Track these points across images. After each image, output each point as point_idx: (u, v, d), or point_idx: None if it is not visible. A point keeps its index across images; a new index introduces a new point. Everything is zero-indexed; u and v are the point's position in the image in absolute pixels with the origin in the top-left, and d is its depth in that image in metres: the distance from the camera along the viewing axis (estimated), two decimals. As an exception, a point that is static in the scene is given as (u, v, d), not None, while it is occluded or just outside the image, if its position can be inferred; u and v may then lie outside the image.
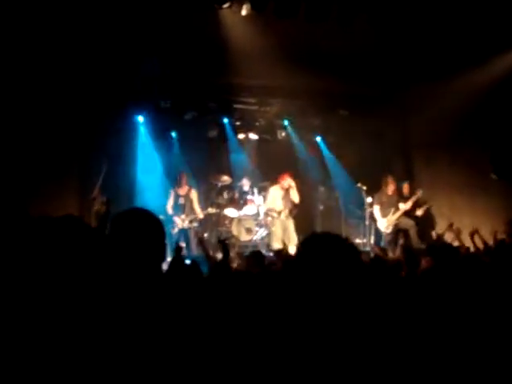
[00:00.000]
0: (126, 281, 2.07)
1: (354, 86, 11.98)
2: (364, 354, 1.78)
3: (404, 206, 11.41)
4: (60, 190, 10.60)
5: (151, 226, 2.26)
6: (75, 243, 1.99)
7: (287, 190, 11.61)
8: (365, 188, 11.84)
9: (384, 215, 11.55)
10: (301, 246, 2.02)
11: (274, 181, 11.98)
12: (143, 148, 12.68)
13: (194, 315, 2.25)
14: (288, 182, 11.51)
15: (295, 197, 11.65)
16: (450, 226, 10.31)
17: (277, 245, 10.81)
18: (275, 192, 11.73)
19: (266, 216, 12.35)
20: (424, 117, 11.62)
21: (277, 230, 11.45)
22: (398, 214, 11.45)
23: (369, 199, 11.86)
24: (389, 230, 11.45)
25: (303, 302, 1.88)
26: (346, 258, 1.92)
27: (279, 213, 11.61)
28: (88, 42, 9.88)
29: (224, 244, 6.48)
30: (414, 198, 11.41)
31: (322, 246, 1.95)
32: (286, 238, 11.21)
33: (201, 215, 11.49)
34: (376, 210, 11.70)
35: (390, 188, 11.61)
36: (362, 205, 12.22)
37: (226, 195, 13.04)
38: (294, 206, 11.78)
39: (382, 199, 11.66)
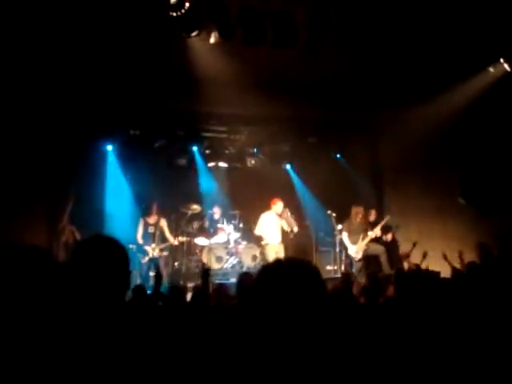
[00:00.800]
0: (88, 310, 1.99)
1: (322, 112, 12.05)
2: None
3: (372, 233, 11.50)
4: (28, 218, 10.42)
5: (115, 253, 2.20)
6: (36, 273, 1.92)
7: (280, 215, 11.77)
8: (334, 215, 11.91)
9: (353, 242, 11.61)
10: (259, 273, 1.95)
11: (266, 206, 12.06)
12: (112, 177, 12.58)
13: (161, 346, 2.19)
14: (280, 206, 11.66)
15: (285, 225, 11.85)
16: (414, 245, 10.46)
17: None
18: (267, 217, 11.81)
19: (237, 244, 12.31)
20: (393, 141, 11.76)
21: (269, 256, 11.47)
22: (367, 240, 11.54)
23: (339, 226, 11.90)
24: (359, 257, 11.50)
25: (259, 333, 1.82)
26: (307, 285, 1.86)
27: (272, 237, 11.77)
28: (56, 72, 9.80)
29: (207, 273, 6.48)
30: (382, 223, 11.56)
31: (282, 272, 1.90)
32: None
33: (175, 242, 11.40)
34: (345, 236, 11.78)
35: (358, 216, 11.69)
36: (332, 232, 12.23)
37: (195, 224, 12.95)
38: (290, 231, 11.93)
39: (350, 227, 11.75)
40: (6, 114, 9.88)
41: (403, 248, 11.79)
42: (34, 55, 9.27)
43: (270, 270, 1.93)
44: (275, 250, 11.62)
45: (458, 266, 8.60)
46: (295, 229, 11.86)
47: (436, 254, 9.50)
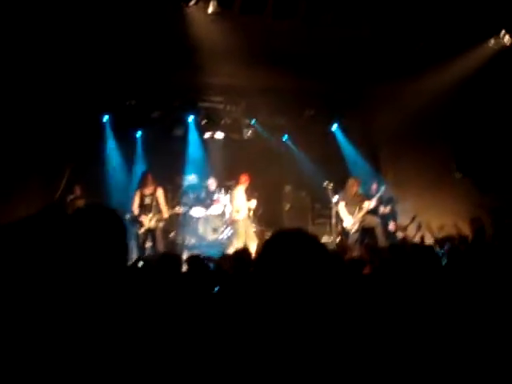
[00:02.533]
0: (86, 278, 2.00)
1: (319, 85, 12.01)
2: (333, 353, 1.75)
3: (368, 204, 11.47)
4: (24, 190, 10.41)
5: (112, 222, 2.19)
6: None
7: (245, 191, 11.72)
8: (331, 186, 11.84)
9: (349, 213, 11.60)
10: (267, 243, 1.95)
11: (236, 181, 11.98)
12: (108, 147, 12.56)
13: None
14: (247, 183, 11.66)
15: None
16: (413, 218, 10.50)
17: (239, 245, 10.75)
18: (238, 193, 11.74)
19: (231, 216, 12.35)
20: (389, 115, 11.72)
21: (240, 230, 11.44)
22: (363, 211, 11.48)
23: (335, 198, 11.86)
24: (355, 228, 11.49)
25: (267, 302, 1.83)
26: (315, 255, 1.87)
27: (242, 212, 11.61)
28: (51, 43, 9.71)
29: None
30: (377, 195, 11.54)
31: (290, 243, 1.90)
32: (247, 238, 11.19)
33: (166, 214, 11.27)
34: (342, 207, 11.69)
35: (353, 188, 11.63)
36: (328, 203, 12.23)
37: (192, 195, 12.96)
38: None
39: (346, 198, 11.67)
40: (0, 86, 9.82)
41: (401, 221, 11.86)
42: (31, 28, 9.17)
43: (278, 240, 1.93)
44: (243, 227, 11.52)
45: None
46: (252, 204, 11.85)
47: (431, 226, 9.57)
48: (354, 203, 11.56)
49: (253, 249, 9.51)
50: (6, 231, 2.03)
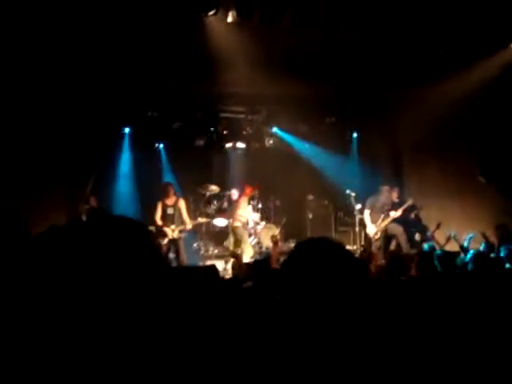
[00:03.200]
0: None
1: (340, 91, 11.97)
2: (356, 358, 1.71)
3: (394, 214, 11.41)
4: (50, 199, 10.52)
5: (139, 233, 2.16)
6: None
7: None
8: (354, 194, 11.81)
9: (373, 221, 11.54)
10: (294, 251, 1.93)
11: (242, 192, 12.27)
12: (129, 159, 12.61)
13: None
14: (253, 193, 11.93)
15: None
16: (438, 226, 10.40)
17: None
18: (244, 203, 12.08)
19: (256, 225, 12.35)
20: (411, 121, 11.64)
21: (246, 238, 11.90)
22: (388, 220, 11.45)
23: (358, 206, 11.82)
24: (377, 236, 11.42)
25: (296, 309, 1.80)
26: (342, 262, 1.84)
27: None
28: (75, 53, 9.78)
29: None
30: (404, 206, 11.44)
31: (317, 250, 1.87)
32: (244, 245, 11.53)
33: (189, 225, 11.30)
34: (366, 214, 11.67)
35: (385, 196, 11.62)
36: (351, 211, 12.18)
37: (214, 205, 12.98)
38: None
39: (374, 205, 11.63)
40: (29, 97, 9.93)
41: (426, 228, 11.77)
42: (55, 37, 9.24)
43: (302, 249, 1.91)
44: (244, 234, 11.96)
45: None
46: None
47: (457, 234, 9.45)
48: (380, 211, 11.53)
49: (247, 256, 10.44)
50: (43, 239, 2.02)
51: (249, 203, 11.98)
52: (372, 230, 11.55)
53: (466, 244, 8.51)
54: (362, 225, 11.90)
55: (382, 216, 11.47)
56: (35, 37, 8.97)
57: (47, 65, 9.75)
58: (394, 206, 11.53)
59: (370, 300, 1.94)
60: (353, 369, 1.69)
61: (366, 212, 11.68)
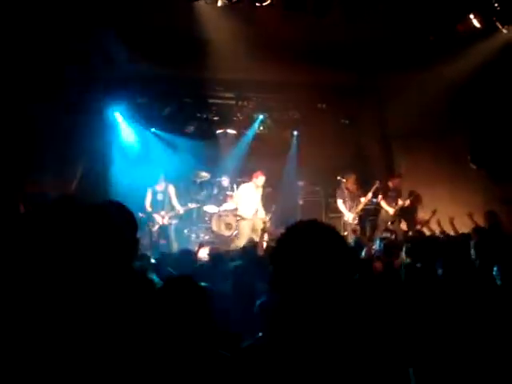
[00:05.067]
0: (96, 274, 1.95)
1: (331, 78, 11.92)
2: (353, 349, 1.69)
3: (364, 199, 11.83)
4: (37, 190, 10.42)
5: (122, 217, 2.15)
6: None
7: (257, 188, 11.84)
8: (345, 180, 11.85)
9: (349, 209, 11.96)
10: (285, 232, 1.90)
11: (247, 178, 12.10)
12: (121, 145, 12.55)
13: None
14: (262, 180, 11.68)
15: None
16: (434, 212, 10.47)
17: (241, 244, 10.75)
18: (246, 190, 11.82)
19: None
20: (402, 107, 11.58)
21: (244, 231, 11.57)
22: (361, 206, 11.89)
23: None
24: (356, 221, 11.90)
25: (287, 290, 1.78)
26: (334, 244, 1.82)
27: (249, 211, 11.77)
28: (60, 37, 9.68)
29: None
30: (372, 190, 11.79)
31: (308, 231, 1.84)
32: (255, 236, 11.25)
33: (181, 211, 11.35)
34: (340, 204, 12.09)
35: (350, 184, 11.97)
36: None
37: (205, 191, 12.95)
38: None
39: (343, 195, 12.04)
40: (17, 83, 9.84)
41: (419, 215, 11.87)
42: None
43: (297, 228, 1.88)
44: (249, 225, 11.68)
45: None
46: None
47: (446, 218, 9.48)
48: (351, 198, 11.96)
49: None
50: (22, 219, 2.01)
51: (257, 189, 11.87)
52: (350, 216, 11.89)
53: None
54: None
55: (356, 203, 11.92)
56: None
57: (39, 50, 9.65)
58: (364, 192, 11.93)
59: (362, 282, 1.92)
60: (345, 355, 1.68)
61: (339, 202, 12.08)
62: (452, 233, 8.92)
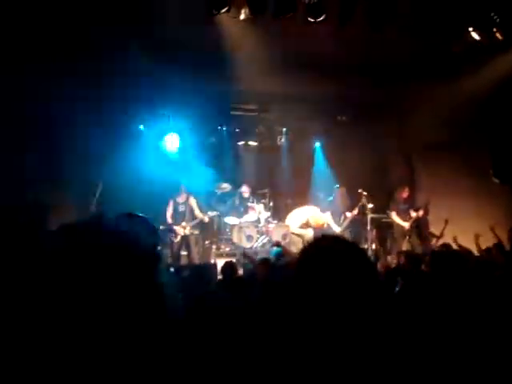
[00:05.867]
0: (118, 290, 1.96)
1: (352, 90, 11.89)
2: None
3: (351, 213, 12.07)
4: (60, 204, 10.50)
5: (144, 229, 2.17)
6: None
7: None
8: (365, 193, 11.83)
9: (336, 222, 12.25)
10: (308, 247, 1.91)
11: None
12: (145, 158, 12.60)
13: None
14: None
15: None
16: (446, 222, 10.44)
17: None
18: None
19: (267, 223, 12.34)
20: (423, 119, 11.55)
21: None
22: (347, 220, 12.16)
23: (370, 205, 11.85)
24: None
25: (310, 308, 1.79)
26: (357, 259, 1.83)
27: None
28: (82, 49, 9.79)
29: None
30: (358, 205, 12.02)
31: (331, 247, 1.86)
32: None
33: (206, 218, 11.44)
34: (328, 216, 12.25)
35: (337, 198, 12.29)
36: (363, 211, 12.16)
37: (226, 202, 12.98)
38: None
39: (332, 207, 12.32)
40: (36, 96, 9.94)
41: (435, 228, 11.78)
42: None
43: (317, 245, 1.90)
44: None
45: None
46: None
47: (468, 234, 9.37)
48: (336, 213, 12.28)
49: None
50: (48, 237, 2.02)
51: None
52: (337, 229, 12.10)
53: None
54: (373, 224, 12.07)
55: (343, 217, 12.21)
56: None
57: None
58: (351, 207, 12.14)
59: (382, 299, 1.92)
60: (361, 368, 1.68)
61: (327, 213, 12.27)
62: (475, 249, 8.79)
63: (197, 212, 11.40)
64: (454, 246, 9.17)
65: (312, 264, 1.82)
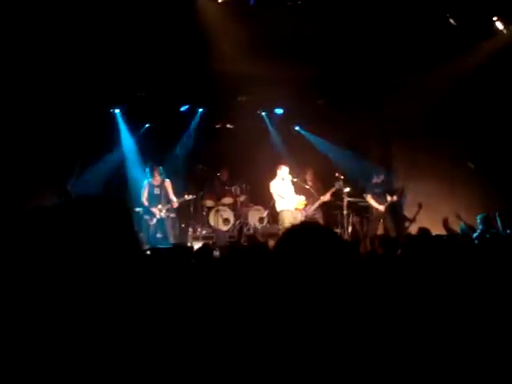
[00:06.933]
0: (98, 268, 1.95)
1: (331, 74, 11.89)
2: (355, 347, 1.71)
3: (323, 198, 12.06)
4: (37, 184, 10.45)
5: (117, 211, 2.15)
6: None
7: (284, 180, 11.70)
8: (342, 177, 11.86)
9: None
10: (283, 234, 1.93)
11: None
12: (120, 140, 12.54)
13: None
14: (286, 171, 11.70)
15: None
16: (420, 206, 10.55)
17: None
18: (275, 185, 11.68)
19: (244, 206, 12.33)
20: (401, 105, 11.57)
21: (285, 224, 11.19)
22: (316, 204, 12.12)
23: (346, 189, 11.85)
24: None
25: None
26: (331, 245, 1.84)
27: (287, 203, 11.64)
28: (60, 37, 9.68)
29: None
30: (332, 190, 12.02)
31: (303, 236, 1.87)
32: None
33: (176, 204, 11.33)
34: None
35: (309, 179, 12.32)
36: (339, 195, 12.18)
37: (203, 185, 12.97)
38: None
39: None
40: (13, 83, 9.85)
41: (411, 212, 11.90)
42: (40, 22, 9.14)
43: (290, 235, 1.90)
44: (288, 216, 11.41)
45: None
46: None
47: (442, 217, 9.51)
48: (308, 195, 12.09)
49: None
50: (19, 219, 2.02)
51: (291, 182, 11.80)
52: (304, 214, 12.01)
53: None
54: (351, 208, 12.08)
55: (311, 199, 12.14)
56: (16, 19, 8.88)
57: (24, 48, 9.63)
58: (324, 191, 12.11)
59: (362, 281, 1.93)
60: (345, 352, 1.69)
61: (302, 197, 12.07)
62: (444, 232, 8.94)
63: (171, 196, 11.34)
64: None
65: (287, 250, 1.83)
